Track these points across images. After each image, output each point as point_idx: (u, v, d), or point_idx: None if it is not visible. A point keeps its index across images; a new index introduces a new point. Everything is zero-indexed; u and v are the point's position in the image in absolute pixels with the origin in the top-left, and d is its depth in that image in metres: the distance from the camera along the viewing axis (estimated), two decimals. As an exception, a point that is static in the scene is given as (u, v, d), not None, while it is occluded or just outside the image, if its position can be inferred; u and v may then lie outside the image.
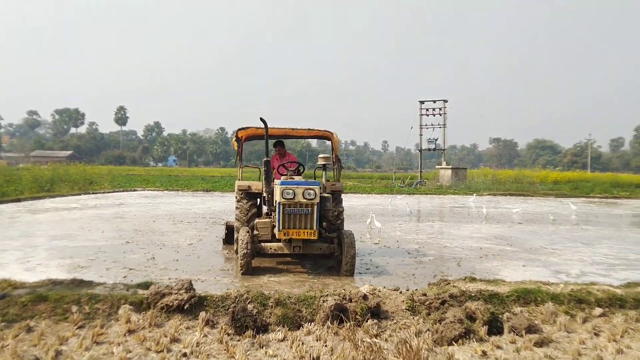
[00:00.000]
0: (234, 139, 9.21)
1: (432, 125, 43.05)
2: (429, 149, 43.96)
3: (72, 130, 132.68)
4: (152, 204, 20.08)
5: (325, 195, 7.85)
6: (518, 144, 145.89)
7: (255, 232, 7.83)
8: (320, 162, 8.82)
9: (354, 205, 20.83)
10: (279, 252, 7.72)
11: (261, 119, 7.83)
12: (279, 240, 7.65)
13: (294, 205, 7.25)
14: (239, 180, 9.04)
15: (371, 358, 3.34)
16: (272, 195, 7.83)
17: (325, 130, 9.28)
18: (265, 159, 8.00)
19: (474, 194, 26.80)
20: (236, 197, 8.83)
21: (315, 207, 7.30)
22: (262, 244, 7.72)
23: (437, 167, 44.28)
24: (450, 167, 41.05)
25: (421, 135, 43.48)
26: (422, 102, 43.06)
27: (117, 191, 27.17)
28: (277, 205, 7.33)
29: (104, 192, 25.59)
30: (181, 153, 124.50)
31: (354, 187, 34.51)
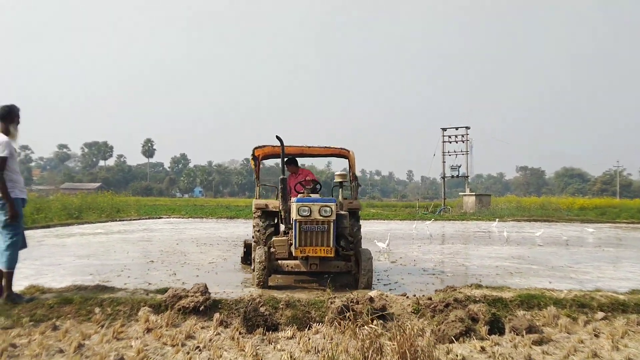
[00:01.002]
0: (251, 157, 9.30)
1: (455, 152, 43.20)
2: (452, 176, 43.98)
3: (101, 162, 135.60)
4: (177, 230, 20.52)
5: (342, 212, 7.88)
6: (546, 172, 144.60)
7: (272, 250, 7.83)
8: (337, 179, 8.82)
9: (375, 229, 20.97)
10: (296, 269, 7.66)
11: (277, 136, 7.90)
12: (296, 258, 7.63)
13: (310, 222, 7.25)
14: (256, 198, 9.14)
15: (368, 343, 3.58)
16: (289, 214, 7.84)
17: (341, 149, 9.28)
18: (281, 177, 8.06)
19: (497, 219, 26.73)
20: (253, 216, 8.86)
21: (332, 224, 7.28)
22: (279, 261, 7.71)
23: (460, 194, 44.25)
24: (474, 194, 41.00)
25: (444, 162, 43.61)
26: (444, 129, 43.28)
27: (142, 218, 27.79)
28: (293, 223, 7.34)
29: (130, 219, 26.21)
30: (207, 184, 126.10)
31: (377, 214, 34.61)
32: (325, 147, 9.38)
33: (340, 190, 9.08)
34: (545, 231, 21.11)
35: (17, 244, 5.58)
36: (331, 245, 7.30)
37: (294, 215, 7.34)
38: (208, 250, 12.91)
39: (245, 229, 21.10)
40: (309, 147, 9.27)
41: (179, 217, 30.10)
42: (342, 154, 9.36)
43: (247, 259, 9.92)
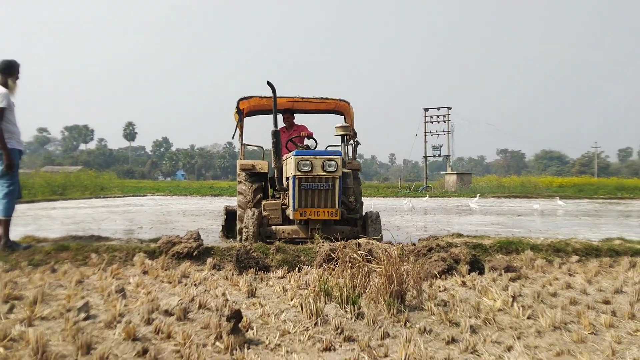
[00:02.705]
0: (235, 111, 8.18)
1: (436, 132, 43.70)
2: (434, 156, 44.54)
3: (82, 146, 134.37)
4: (163, 205, 20.64)
5: (346, 170, 6.97)
6: (526, 155, 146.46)
7: (265, 213, 6.90)
8: (339, 132, 7.59)
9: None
10: (294, 236, 6.61)
11: (268, 82, 6.59)
12: (292, 223, 6.75)
13: (312, 179, 6.30)
14: (241, 159, 8.02)
15: (356, 269, 3.81)
16: (282, 173, 7.04)
17: (339, 100, 8.18)
18: (274, 129, 6.76)
19: (478, 195, 27.07)
20: (238, 180, 7.70)
21: (337, 181, 6.34)
22: (273, 227, 6.72)
23: (442, 172, 44.80)
24: (455, 172, 41.53)
25: (426, 142, 44.17)
26: (426, 110, 43.74)
27: (127, 196, 27.81)
28: (291, 180, 6.40)
29: (114, 197, 26.23)
30: (189, 167, 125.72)
31: (360, 193, 34.85)
32: (321, 98, 8.21)
33: (342, 146, 7.92)
34: (528, 205, 21.59)
35: (14, 193, 5.73)
36: (336, 206, 6.41)
37: (292, 171, 6.41)
38: (197, 219, 13.07)
39: (233, 202, 21.22)
40: (302, 98, 8.12)
41: (164, 195, 30.15)
42: (339, 107, 8.42)
43: (229, 229, 8.80)
